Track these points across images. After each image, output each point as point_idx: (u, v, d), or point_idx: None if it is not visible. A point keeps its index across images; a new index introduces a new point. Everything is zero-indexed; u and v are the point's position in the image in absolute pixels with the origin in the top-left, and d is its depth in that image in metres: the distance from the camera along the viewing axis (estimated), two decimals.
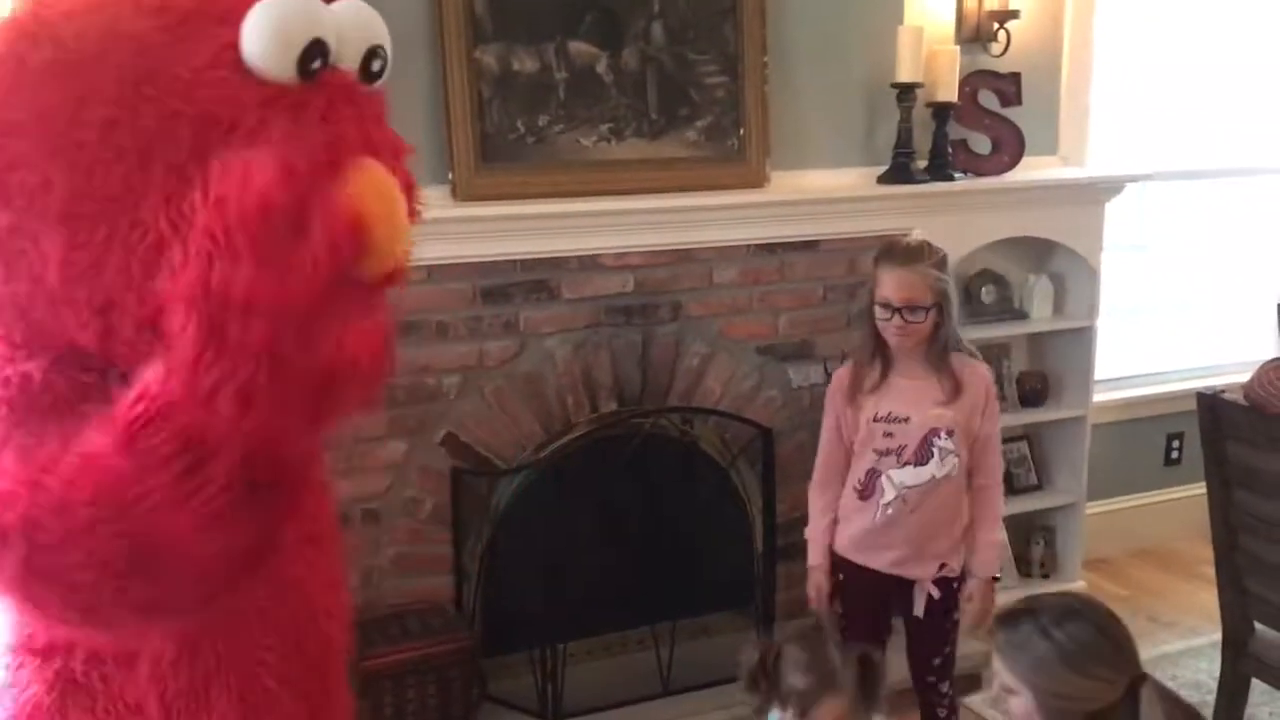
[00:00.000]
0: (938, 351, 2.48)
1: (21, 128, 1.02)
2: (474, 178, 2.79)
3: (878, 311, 2.47)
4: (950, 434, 2.46)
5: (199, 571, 1.04)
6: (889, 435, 2.50)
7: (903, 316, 2.43)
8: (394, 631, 2.79)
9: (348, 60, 1.11)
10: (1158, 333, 4.18)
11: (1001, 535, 2.65)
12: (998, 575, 2.60)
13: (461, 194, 2.78)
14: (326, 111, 1.07)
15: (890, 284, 2.45)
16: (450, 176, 2.79)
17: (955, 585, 2.55)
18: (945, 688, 2.56)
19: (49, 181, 1.01)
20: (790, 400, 3.21)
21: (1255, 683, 2.70)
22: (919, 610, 2.53)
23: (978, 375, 2.52)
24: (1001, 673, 1.71)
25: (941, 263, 2.50)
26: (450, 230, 2.73)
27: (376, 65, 1.15)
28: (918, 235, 3.02)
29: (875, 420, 2.51)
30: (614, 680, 2.99)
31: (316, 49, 1.05)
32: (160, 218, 1.00)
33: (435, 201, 2.77)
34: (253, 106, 1.03)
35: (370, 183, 1.04)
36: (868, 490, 2.53)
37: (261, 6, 1.03)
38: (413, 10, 2.72)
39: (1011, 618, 1.73)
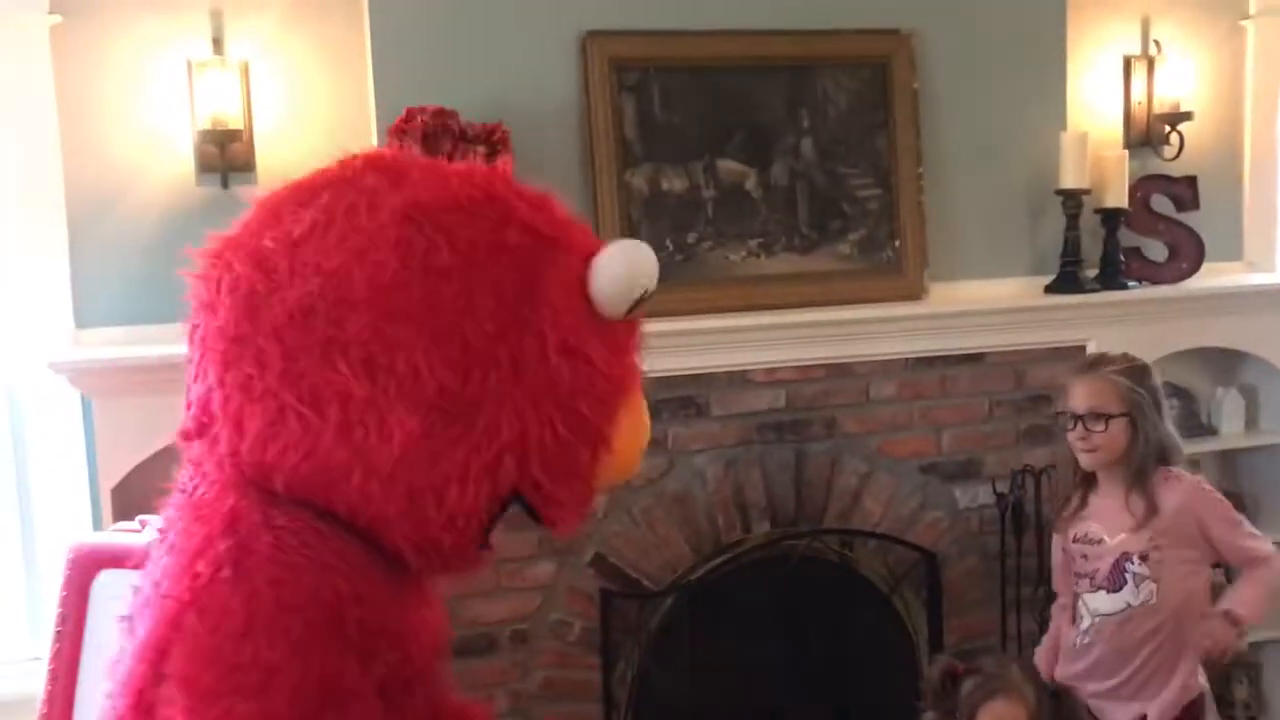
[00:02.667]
0: (1134, 469, 2.30)
1: (410, 317, 1.10)
2: None
3: (1066, 424, 2.35)
4: (1144, 559, 2.28)
5: None
6: (1084, 558, 2.36)
7: (1085, 425, 2.28)
8: None
9: None
10: None
11: (1264, 595, 2.34)
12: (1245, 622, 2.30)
13: None
14: (629, 343, 1.22)
15: (1075, 392, 2.35)
16: None
17: None
18: None
19: (420, 371, 1.09)
20: (957, 522, 3.04)
21: None
22: None
23: (1177, 490, 2.32)
24: None
25: (1137, 372, 2.37)
26: None
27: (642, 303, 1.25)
28: (1096, 348, 2.87)
29: (1074, 542, 2.39)
30: None
31: (645, 295, 1.18)
32: (509, 427, 1.09)
33: None
34: (592, 339, 1.15)
35: (642, 420, 1.20)
36: (1074, 616, 2.39)
37: (619, 251, 1.15)
38: (565, 136, 2.77)
39: None
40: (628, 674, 2.84)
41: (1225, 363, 3.34)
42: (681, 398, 2.82)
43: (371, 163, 1.23)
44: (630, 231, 2.78)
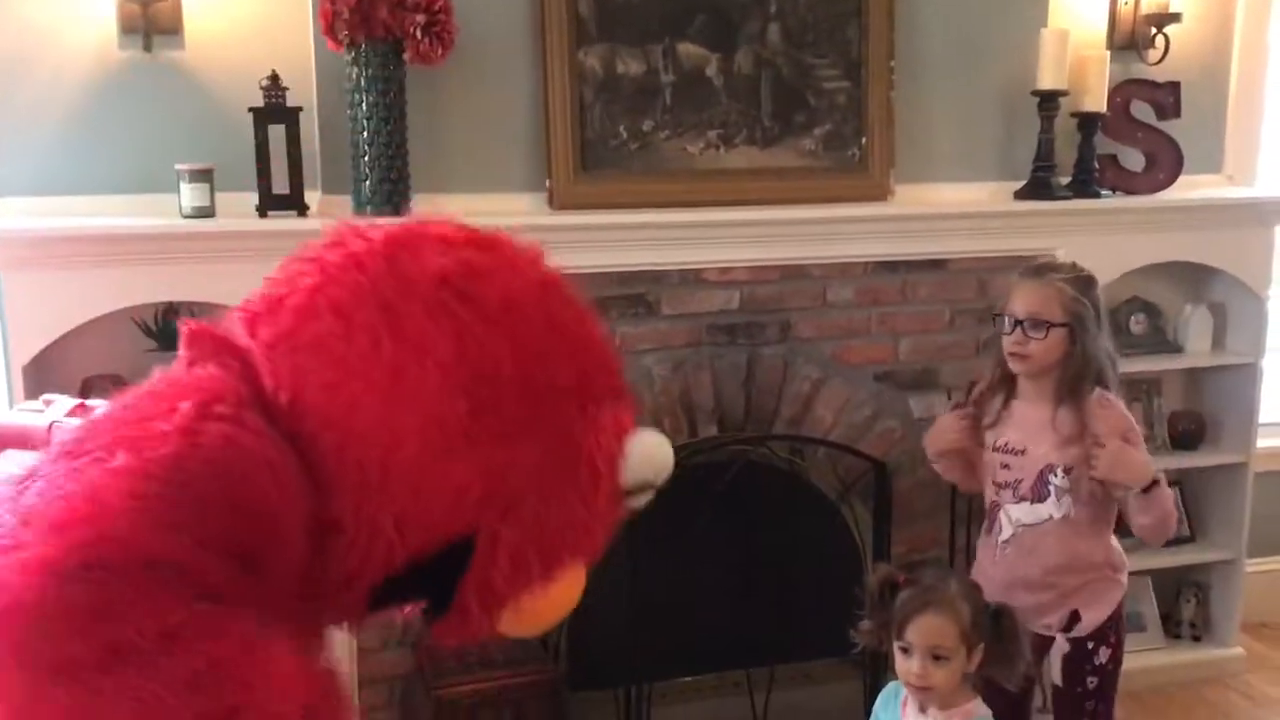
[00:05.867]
0: (1068, 382, 2.22)
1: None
2: (572, 185, 2.66)
3: (1002, 327, 2.26)
4: (1067, 472, 2.21)
5: None
6: (1006, 467, 2.30)
7: (1024, 330, 2.19)
8: (472, 660, 2.65)
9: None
10: None
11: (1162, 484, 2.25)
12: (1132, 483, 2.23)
13: (558, 202, 2.65)
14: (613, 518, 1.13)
15: (1017, 296, 2.26)
16: (547, 184, 2.66)
17: (1090, 647, 2.27)
18: None
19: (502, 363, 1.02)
20: (911, 432, 2.96)
21: None
22: (1057, 677, 2.29)
23: (1110, 418, 2.22)
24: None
25: (1083, 282, 2.26)
26: (544, 240, 2.59)
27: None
28: (1064, 257, 2.76)
29: (994, 450, 2.32)
30: None
31: (648, 485, 1.12)
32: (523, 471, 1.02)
33: (530, 209, 2.67)
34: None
35: (578, 592, 1.12)
36: (991, 525, 2.35)
37: (658, 436, 1.11)
38: (514, 10, 2.62)
39: None
40: None
41: (1196, 279, 3.25)
42: (631, 295, 2.71)
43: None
44: (582, 115, 2.65)
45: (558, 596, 1.08)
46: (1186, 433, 3.29)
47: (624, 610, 2.70)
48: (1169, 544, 3.27)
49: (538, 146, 2.66)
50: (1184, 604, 3.34)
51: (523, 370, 0.99)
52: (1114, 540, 2.36)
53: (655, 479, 1.11)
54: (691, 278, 2.74)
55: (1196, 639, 3.34)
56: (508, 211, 2.63)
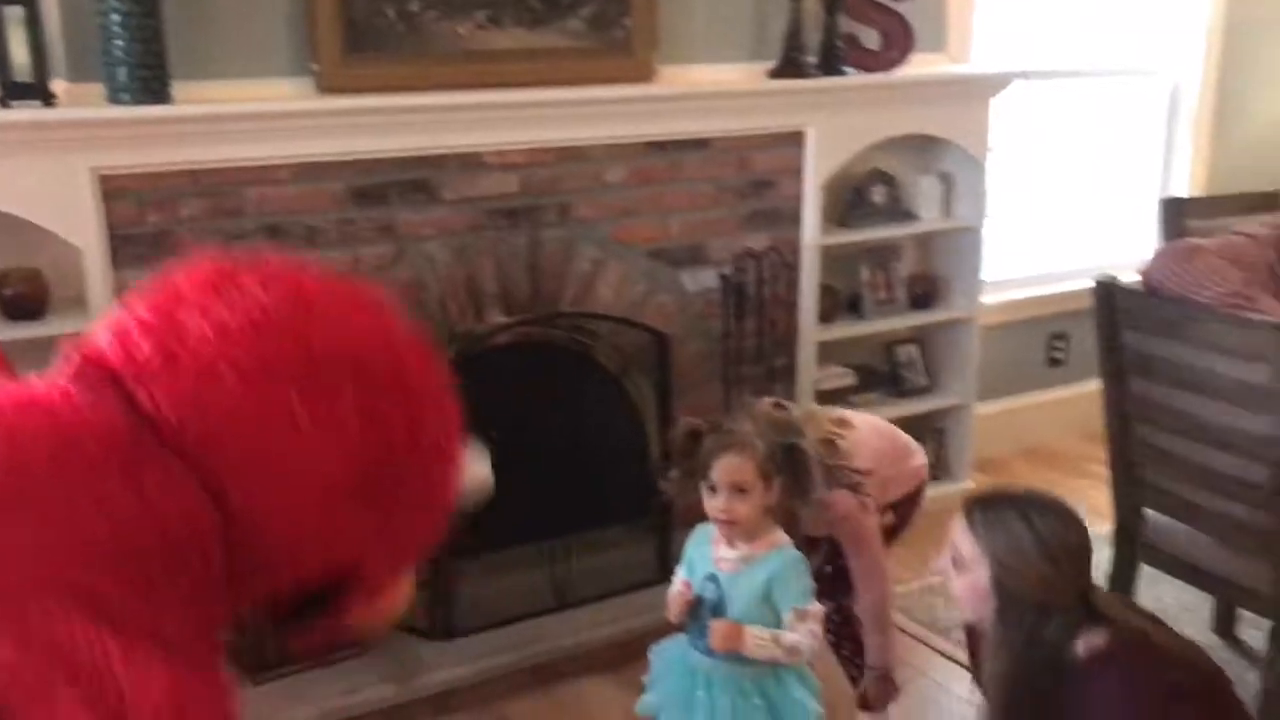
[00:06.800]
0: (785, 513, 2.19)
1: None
2: (340, 69, 2.58)
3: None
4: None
5: None
6: None
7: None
8: None
9: None
10: (1040, 235, 4.18)
11: (881, 630, 2.43)
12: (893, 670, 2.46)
13: (326, 86, 2.58)
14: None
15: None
16: (314, 67, 2.58)
17: None
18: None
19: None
20: (684, 306, 3.11)
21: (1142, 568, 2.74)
22: None
23: (833, 513, 2.28)
24: (963, 545, 1.76)
25: (780, 430, 2.12)
26: (316, 124, 2.54)
27: None
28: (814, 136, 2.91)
29: None
30: (509, 597, 2.88)
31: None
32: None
33: (297, 94, 2.58)
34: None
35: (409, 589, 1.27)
36: None
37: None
38: None
39: (989, 499, 1.79)
40: None
41: (927, 150, 3.52)
42: (410, 180, 2.69)
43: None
44: None
45: (404, 590, 1.25)
46: (922, 293, 3.60)
47: None
48: (910, 395, 3.63)
49: (300, 28, 2.57)
50: (926, 447, 3.68)
51: (413, 437, 1.08)
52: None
53: (481, 495, 1.32)
54: (470, 162, 2.74)
55: (936, 478, 3.69)
56: (274, 96, 2.54)
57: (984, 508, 1.76)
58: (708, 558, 2.07)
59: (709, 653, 2.02)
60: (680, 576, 2.13)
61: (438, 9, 2.67)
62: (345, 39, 2.58)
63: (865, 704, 2.48)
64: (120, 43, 2.31)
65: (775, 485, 2.03)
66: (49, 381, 1.04)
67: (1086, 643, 1.69)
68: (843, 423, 2.35)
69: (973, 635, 1.93)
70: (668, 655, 2.10)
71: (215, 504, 1.01)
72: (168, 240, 2.44)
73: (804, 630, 2.00)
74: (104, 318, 1.06)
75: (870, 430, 2.46)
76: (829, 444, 2.21)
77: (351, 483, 1.05)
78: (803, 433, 2.10)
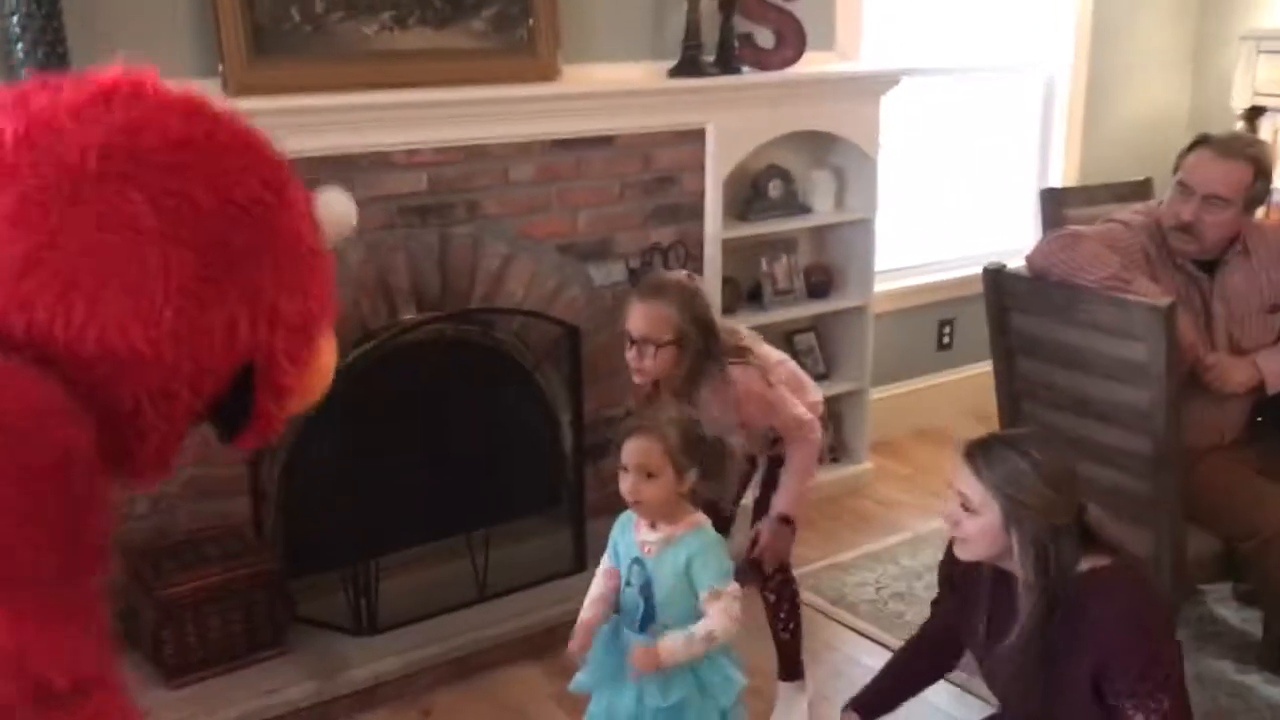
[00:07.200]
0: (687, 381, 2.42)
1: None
2: (247, 70, 2.58)
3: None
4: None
5: None
6: None
7: (639, 349, 2.44)
8: (190, 558, 2.62)
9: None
10: (928, 225, 4.35)
11: (804, 481, 2.57)
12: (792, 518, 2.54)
13: (234, 88, 2.57)
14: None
15: (631, 316, 2.46)
16: (221, 69, 2.57)
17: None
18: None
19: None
20: (593, 299, 3.17)
21: None
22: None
23: (732, 392, 2.42)
24: (971, 490, 1.88)
25: (689, 296, 2.42)
26: None
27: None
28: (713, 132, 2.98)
29: None
30: (430, 590, 2.91)
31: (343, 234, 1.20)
32: (268, 290, 1.06)
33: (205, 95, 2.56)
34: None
35: (333, 355, 1.20)
36: None
37: (342, 194, 1.20)
38: None
39: (985, 444, 1.91)
40: (275, 468, 2.78)
41: (821, 146, 3.65)
42: (320, 180, 2.68)
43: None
44: None
45: (326, 361, 1.17)
46: (819, 283, 3.73)
47: (339, 492, 2.75)
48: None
49: (207, 29, 2.56)
50: (824, 433, 3.81)
51: (220, 195, 1.01)
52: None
53: (347, 228, 1.23)
54: (380, 161, 2.76)
55: (835, 460, 3.85)
56: None
57: (984, 451, 1.88)
58: (632, 542, 2.14)
59: (640, 631, 2.09)
60: (605, 564, 2.19)
61: (343, 10, 2.69)
62: (251, 41, 2.58)
63: (753, 553, 2.50)
64: (22, 45, 2.28)
65: (690, 475, 2.09)
66: None
67: (1092, 563, 1.85)
68: (755, 343, 2.55)
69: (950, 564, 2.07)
70: (601, 633, 2.16)
71: (67, 389, 0.92)
72: None
73: (717, 609, 2.04)
74: None
75: (776, 357, 2.62)
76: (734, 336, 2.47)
77: (188, 274, 0.98)
78: (708, 302, 2.39)
